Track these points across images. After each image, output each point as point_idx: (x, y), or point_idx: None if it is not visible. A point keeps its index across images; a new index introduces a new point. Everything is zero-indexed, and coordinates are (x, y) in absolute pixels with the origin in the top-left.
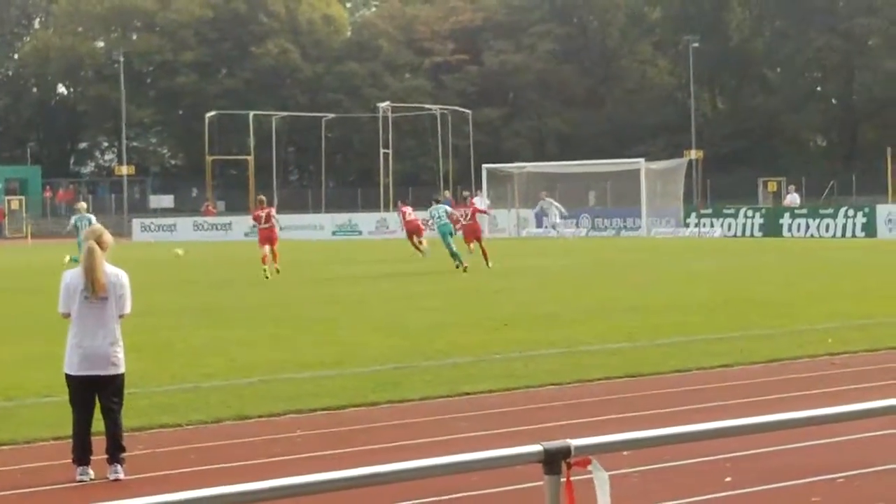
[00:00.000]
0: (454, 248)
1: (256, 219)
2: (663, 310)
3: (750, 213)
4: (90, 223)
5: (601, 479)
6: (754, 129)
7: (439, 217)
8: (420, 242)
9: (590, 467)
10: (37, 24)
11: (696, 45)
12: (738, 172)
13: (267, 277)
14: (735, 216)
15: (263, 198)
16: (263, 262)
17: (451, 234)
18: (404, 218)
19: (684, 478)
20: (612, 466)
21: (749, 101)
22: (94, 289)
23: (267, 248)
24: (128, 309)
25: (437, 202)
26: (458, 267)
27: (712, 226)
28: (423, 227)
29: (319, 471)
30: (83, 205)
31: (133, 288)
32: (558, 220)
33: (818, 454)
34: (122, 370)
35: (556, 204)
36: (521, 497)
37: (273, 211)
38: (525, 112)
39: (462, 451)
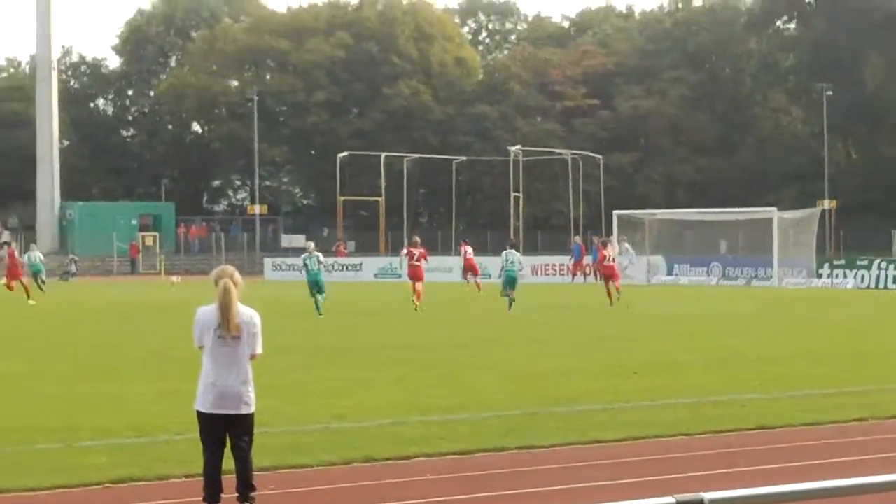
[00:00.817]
0: (507, 292)
1: (410, 255)
2: (795, 361)
3: (884, 264)
4: (319, 261)
5: None
6: (888, 179)
7: (511, 262)
8: (476, 281)
9: None
10: (173, 63)
11: (829, 93)
12: (872, 223)
13: (416, 310)
14: (868, 267)
15: (418, 239)
16: (414, 296)
17: (514, 282)
18: (464, 256)
19: None
20: None
21: (884, 149)
22: (228, 327)
23: (418, 284)
24: (259, 349)
25: (511, 247)
26: (505, 297)
27: (845, 277)
28: (477, 266)
29: None
30: (312, 244)
31: (265, 327)
32: (629, 263)
33: None
34: (252, 409)
35: (630, 248)
36: None
37: (426, 252)
38: (656, 158)
39: (593, 500)
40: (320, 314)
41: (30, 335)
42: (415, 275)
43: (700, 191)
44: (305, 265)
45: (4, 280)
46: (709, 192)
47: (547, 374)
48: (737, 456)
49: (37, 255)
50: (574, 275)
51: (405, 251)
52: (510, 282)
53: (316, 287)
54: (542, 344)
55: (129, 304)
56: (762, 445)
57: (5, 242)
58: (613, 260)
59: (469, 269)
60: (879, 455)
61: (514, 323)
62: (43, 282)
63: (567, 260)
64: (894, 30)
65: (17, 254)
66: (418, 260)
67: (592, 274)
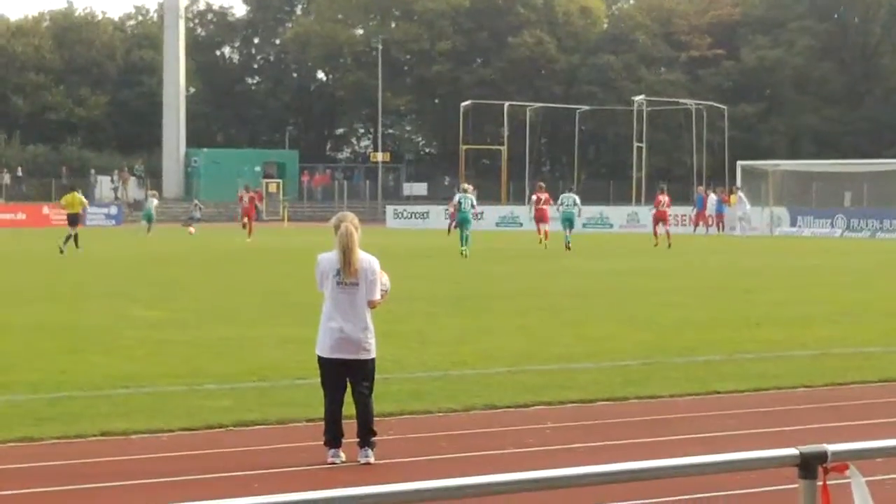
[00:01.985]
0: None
1: (538, 199)
2: None
3: None
4: (472, 203)
5: (860, 484)
6: None
7: (567, 205)
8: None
9: (847, 473)
10: (298, 11)
11: None
12: None
13: (545, 248)
14: None
15: (543, 184)
16: (542, 235)
17: (571, 222)
18: (537, 204)
19: None
20: (866, 473)
21: None
22: (348, 272)
23: (542, 225)
24: (377, 295)
25: (570, 191)
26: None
27: None
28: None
29: (570, 463)
30: (467, 185)
31: (389, 275)
32: (743, 214)
33: None
34: (373, 355)
35: (745, 198)
36: (774, 499)
37: (550, 198)
38: (781, 109)
39: (713, 450)
40: (463, 249)
41: (154, 280)
42: (541, 217)
43: (825, 142)
44: (459, 203)
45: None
46: (834, 144)
47: (668, 323)
48: (860, 408)
49: (152, 202)
50: (696, 225)
51: (535, 196)
52: (566, 222)
53: (465, 224)
54: (662, 294)
55: (250, 250)
56: (885, 398)
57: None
58: (546, 203)
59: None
60: None
61: (635, 272)
62: (149, 227)
63: (690, 210)
64: None
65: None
66: (545, 203)
67: (715, 225)
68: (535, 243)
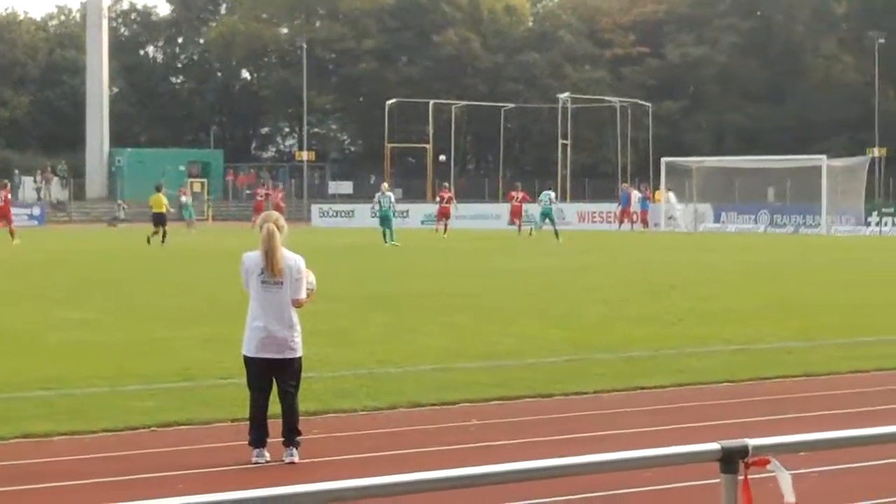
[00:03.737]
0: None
1: (441, 198)
2: (842, 309)
3: None
4: (391, 201)
5: (784, 478)
6: None
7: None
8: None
9: (769, 466)
10: (223, 10)
11: (881, 41)
12: None
13: (444, 238)
14: None
15: (447, 184)
16: (441, 228)
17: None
18: (440, 203)
19: (861, 480)
20: (787, 467)
21: None
22: (272, 271)
23: (443, 220)
24: (303, 294)
25: (548, 189)
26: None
27: (894, 224)
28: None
29: (493, 461)
30: (385, 185)
31: (315, 274)
32: (676, 212)
33: None
34: (299, 354)
35: (673, 197)
36: (695, 494)
37: (452, 196)
38: (705, 106)
39: (636, 446)
40: (387, 243)
41: (77, 282)
42: (444, 214)
43: (749, 139)
44: (379, 202)
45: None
46: (758, 141)
47: (592, 320)
48: (782, 403)
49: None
50: (621, 222)
51: (439, 195)
52: (545, 217)
53: (385, 222)
54: (587, 291)
55: (176, 250)
56: (807, 392)
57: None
58: (449, 202)
59: (515, 214)
60: None
61: (560, 269)
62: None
63: (615, 207)
64: None
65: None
66: (447, 202)
67: (640, 221)
68: (439, 240)
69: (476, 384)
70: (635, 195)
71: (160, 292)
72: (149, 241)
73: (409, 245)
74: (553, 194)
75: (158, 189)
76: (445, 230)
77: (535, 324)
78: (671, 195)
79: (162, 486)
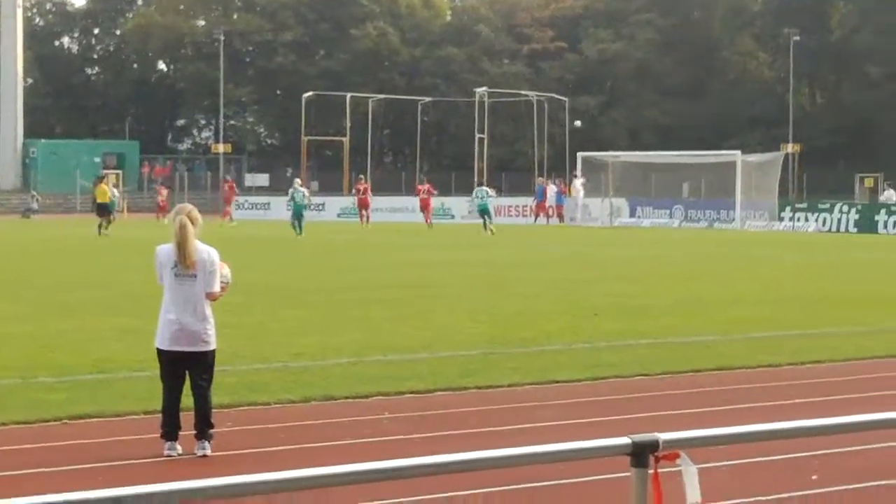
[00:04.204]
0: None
1: (357, 190)
2: (755, 304)
3: (845, 208)
4: (304, 195)
5: (690, 472)
6: (853, 125)
7: (480, 197)
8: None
9: (678, 461)
10: (140, 1)
11: (796, 38)
12: (835, 167)
13: (366, 229)
14: (830, 211)
15: (363, 176)
16: (364, 221)
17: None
18: (358, 194)
19: (771, 474)
20: (699, 460)
21: (849, 96)
22: (185, 264)
23: (364, 211)
24: (216, 287)
25: (481, 185)
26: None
27: (807, 220)
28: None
29: (406, 454)
30: (298, 180)
31: (229, 266)
32: (579, 201)
33: None
34: (212, 347)
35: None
36: (607, 488)
37: (368, 187)
38: (622, 101)
39: (548, 440)
40: (299, 235)
41: None
42: (363, 204)
43: (666, 134)
44: (292, 197)
45: None
46: (675, 136)
47: (508, 314)
48: (695, 397)
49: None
50: (537, 216)
51: (355, 187)
52: (483, 212)
53: (298, 216)
54: (503, 285)
55: (90, 241)
56: (720, 386)
57: None
58: (366, 193)
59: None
60: (833, 397)
61: (476, 264)
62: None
63: (530, 201)
64: None
65: None
66: (364, 193)
67: (556, 216)
68: (365, 232)
69: (390, 378)
70: (551, 189)
71: (74, 284)
72: (99, 232)
73: (324, 238)
74: (488, 189)
75: (101, 179)
76: (368, 220)
77: (450, 317)
78: (578, 182)
79: (73, 479)
